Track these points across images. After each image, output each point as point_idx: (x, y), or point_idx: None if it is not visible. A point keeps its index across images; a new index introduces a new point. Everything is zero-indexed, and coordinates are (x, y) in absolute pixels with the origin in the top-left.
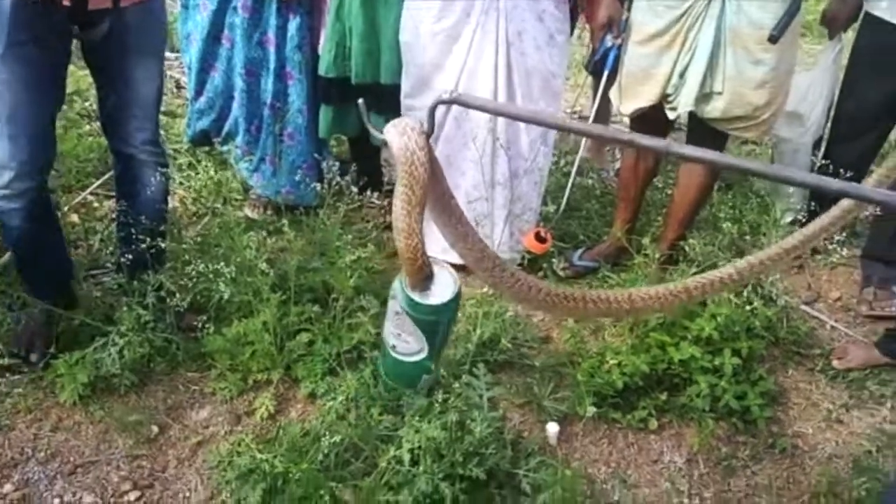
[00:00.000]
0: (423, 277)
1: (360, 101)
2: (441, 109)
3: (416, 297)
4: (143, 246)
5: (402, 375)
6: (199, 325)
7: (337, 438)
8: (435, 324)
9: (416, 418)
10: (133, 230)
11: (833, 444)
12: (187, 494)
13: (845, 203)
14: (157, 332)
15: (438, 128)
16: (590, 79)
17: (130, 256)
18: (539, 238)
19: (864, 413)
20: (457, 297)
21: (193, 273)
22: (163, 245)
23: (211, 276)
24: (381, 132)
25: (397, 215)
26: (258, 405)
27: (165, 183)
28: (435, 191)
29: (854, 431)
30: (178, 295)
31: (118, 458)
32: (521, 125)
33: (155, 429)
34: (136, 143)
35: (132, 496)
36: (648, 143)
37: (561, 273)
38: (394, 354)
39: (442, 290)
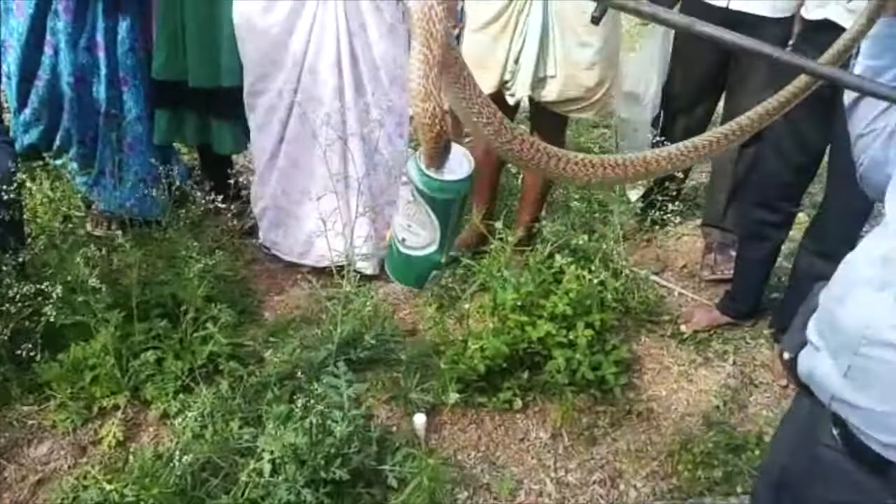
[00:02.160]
0: (441, 148)
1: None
2: (283, 107)
3: (433, 173)
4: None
5: (411, 271)
6: (24, 353)
7: (192, 458)
8: (450, 204)
9: (276, 426)
10: None
11: (685, 403)
12: None
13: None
14: None
15: (282, 127)
16: None
17: None
18: None
19: (710, 371)
20: (472, 175)
21: (17, 297)
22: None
23: (38, 298)
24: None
25: (413, 76)
26: (104, 433)
27: (15, 158)
28: (446, 58)
29: (702, 389)
30: None
31: None
32: (375, 116)
33: None
34: None
35: None
36: (667, 17)
37: None
38: (403, 249)
39: (457, 166)
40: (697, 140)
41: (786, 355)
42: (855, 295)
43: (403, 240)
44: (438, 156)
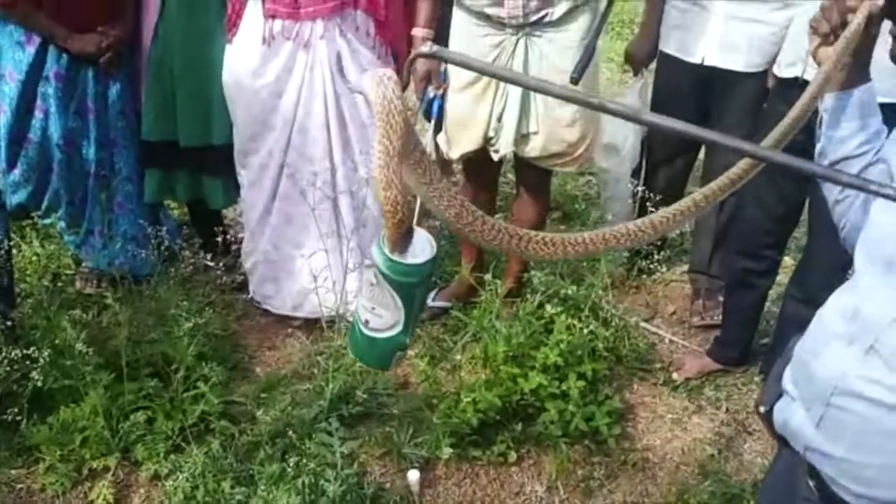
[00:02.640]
0: (404, 233)
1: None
2: (274, 166)
3: (397, 257)
4: None
5: (374, 353)
6: (11, 418)
7: None
8: (414, 287)
9: (268, 486)
10: None
11: (679, 452)
12: None
13: (738, 168)
14: None
15: (274, 185)
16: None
17: None
18: None
19: (704, 419)
20: (436, 257)
21: (5, 361)
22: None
23: (26, 362)
24: (354, 86)
25: (376, 166)
26: (95, 496)
27: (6, 223)
28: (406, 147)
29: (697, 437)
30: None
31: None
32: (363, 174)
33: None
34: None
35: None
36: (616, 110)
37: None
38: (366, 331)
39: (420, 249)
40: (654, 217)
41: (761, 409)
42: (827, 347)
43: (367, 322)
44: (402, 240)
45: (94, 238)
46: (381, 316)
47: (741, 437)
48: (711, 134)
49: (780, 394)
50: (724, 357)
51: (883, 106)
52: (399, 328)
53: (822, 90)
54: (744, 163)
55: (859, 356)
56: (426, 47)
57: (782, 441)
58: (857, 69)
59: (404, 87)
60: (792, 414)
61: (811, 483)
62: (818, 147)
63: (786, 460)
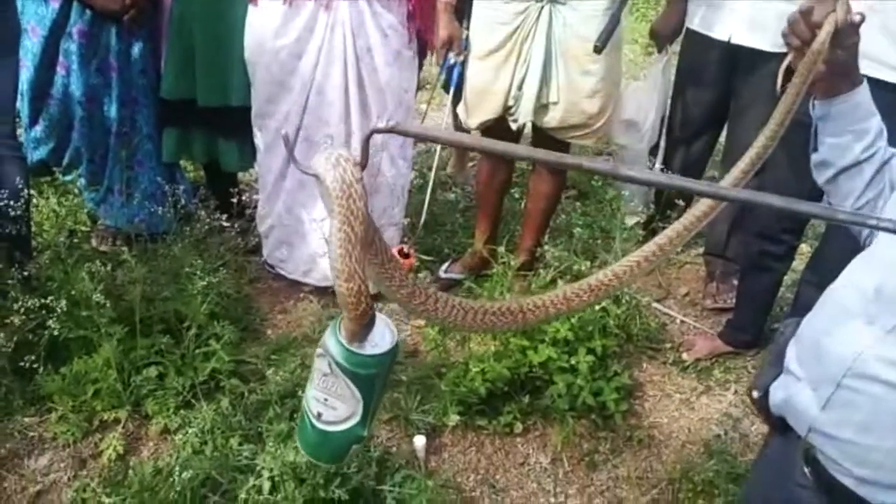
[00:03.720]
0: (365, 324)
1: (284, 132)
2: (290, 129)
3: (356, 348)
4: (10, 231)
5: (327, 448)
6: (27, 365)
7: (191, 473)
8: (373, 378)
9: (276, 444)
10: None
11: (686, 431)
12: None
13: (703, 205)
14: None
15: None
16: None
17: None
18: (402, 254)
19: (711, 399)
20: (397, 345)
21: (22, 310)
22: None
23: (42, 312)
24: (305, 167)
25: (335, 256)
26: (105, 447)
27: (26, 174)
28: (366, 232)
29: (704, 417)
30: (2, 335)
31: None
32: (379, 141)
33: None
34: None
35: None
36: (593, 166)
37: None
38: (319, 425)
39: (380, 338)
40: (617, 267)
41: (755, 394)
42: (842, 326)
43: (319, 414)
44: (361, 331)
45: (114, 196)
46: (335, 408)
47: (748, 418)
48: (680, 181)
49: (775, 377)
50: (736, 340)
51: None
52: (356, 419)
53: (791, 107)
54: (704, 205)
55: (880, 336)
56: (382, 123)
57: (775, 426)
58: (838, 78)
59: (363, 166)
60: (796, 392)
61: (807, 469)
62: (818, 157)
63: (778, 446)
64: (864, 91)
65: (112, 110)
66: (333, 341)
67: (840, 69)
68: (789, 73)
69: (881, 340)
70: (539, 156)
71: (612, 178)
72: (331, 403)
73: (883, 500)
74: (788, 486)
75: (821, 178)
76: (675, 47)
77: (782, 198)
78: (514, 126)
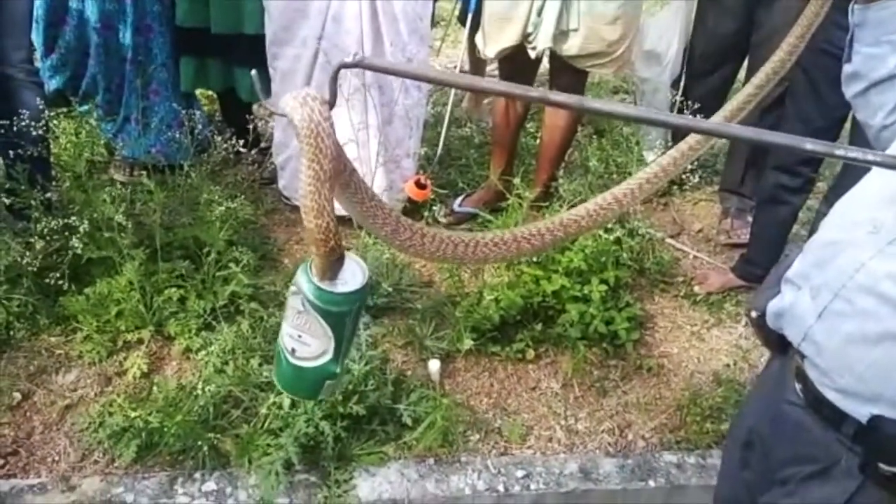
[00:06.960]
0: (334, 261)
1: (254, 72)
2: (307, 56)
3: (326, 285)
4: (30, 153)
5: (302, 383)
6: (52, 282)
7: (214, 388)
8: (344, 315)
9: None
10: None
11: (695, 360)
12: (56, 458)
13: (692, 139)
14: (17, 292)
15: (307, 75)
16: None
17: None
18: (419, 185)
19: (722, 331)
20: (368, 284)
21: (45, 231)
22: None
23: (65, 233)
24: (272, 105)
25: (305, 193)
26: (129, 365)
27: (44, 99)
28: (335, 166)
29: (714, 348)
30: (27, 255)
31: None
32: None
33: (18, 396)
34: (13, 63)
35: None
36: (558, 100)
37: (443, 220)
38: (293, 360)
39: (351, 276)
40: (617, 190)
41: (753, 314)
42: (852, 235)
43: (293, 350)
44: (331, 269)
45: (131, 125)
46: (308, 344)
47: (758, 349)
48: (662, 116)
49: (774, 297)
50: (749, 274)
51: None
52: (329, 356)
53: (814, 18)
54: (692, 140)
55: (881, 247)
56: (349, 58)
57: (772, 345)
58: None
59: (331, 105)
60: (796, 301)
61: (798, 386)
62: (850, 68)
63: (774, 368)
64: None
65: (127, 37)
66: (305, 279)
67: None
68: None
69: (882, 252)
70: (501, 88)
71: (579, 112)
72: (304, 340)
73: (869, 411)
74: (780, 403)
75: (850, 90)
76: None
77: (785, 135)
78: (532, 54)
